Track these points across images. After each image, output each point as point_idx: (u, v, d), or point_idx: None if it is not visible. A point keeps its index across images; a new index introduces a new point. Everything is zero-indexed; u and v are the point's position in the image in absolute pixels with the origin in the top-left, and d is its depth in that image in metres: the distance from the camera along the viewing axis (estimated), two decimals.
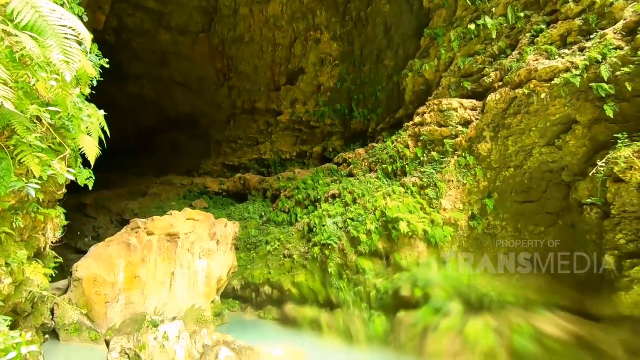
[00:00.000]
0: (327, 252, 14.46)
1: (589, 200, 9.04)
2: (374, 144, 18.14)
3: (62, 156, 3.66)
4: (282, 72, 24.37)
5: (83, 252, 14.24)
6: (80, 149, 4.52)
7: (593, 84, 9.11)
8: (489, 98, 12.02)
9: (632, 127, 8.64)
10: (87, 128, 4.76)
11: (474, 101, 13.30)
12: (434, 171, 13.37)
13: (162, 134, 30.40)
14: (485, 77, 13.05)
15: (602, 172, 8.38)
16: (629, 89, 8.53)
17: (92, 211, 26.38)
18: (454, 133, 13.36)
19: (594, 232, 9.16)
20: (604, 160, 8.36)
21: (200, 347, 8.96)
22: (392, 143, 16.08)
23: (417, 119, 14.97)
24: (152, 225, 12.99)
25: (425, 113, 14.68)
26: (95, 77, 4.74)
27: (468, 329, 10.12)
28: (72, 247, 23.28)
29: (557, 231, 10.81)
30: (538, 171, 11.09)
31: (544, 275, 10.54)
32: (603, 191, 8.54)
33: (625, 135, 8.21)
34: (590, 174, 8.74)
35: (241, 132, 26.61)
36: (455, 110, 13.52)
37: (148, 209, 22.94)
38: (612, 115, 8.80)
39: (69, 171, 3.61)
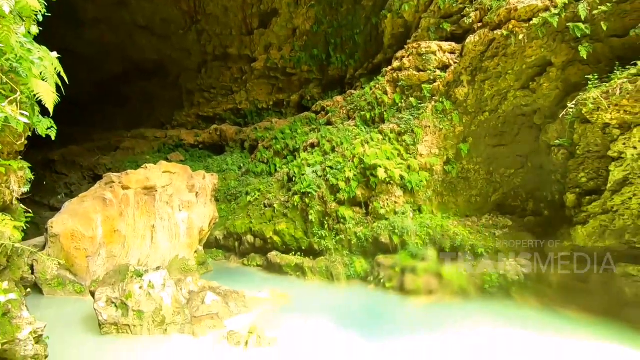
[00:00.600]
0: (307, 201, 14.72)
1: (557, 142, 9.40)
2: (352, 91, 17.78)
3: (12, 98, 3.38)
4: (254, 13, 22.70)
5: (57, 209, 13.89)
6: (35, 95, 4.18)
7: (570, 24, 9.03)
8: (467, 40, 11.76)
9: (603, 68, 8.77)
10: (41, 73, 4.37)
11: (453, 44, 13.01)
12: (411, 117, 13.38)
13: (130, 84, 28.53)
14: (465, 18, 12.65)
15: (571, 114, 8.63)
16: (604, 28, 8.52)
17: (62, 167, 25.35)
18: (432, 78, 13.20)
19: (559, 172, 9.66)
20: (573, 102, 8.57)
21: (186, 293, 9.29)
22: (370, 89, 15.80)
23: (395, 64, 14.61)
24: (127, 179, 12.68)
25: (403, 57, 14.31)
26: (41, 11, 4.24)
27: (443, 271, 10.87)
28: (45, 205, 22.68)
29: (525, 173, 11.34)
30: (512, 115, 11.30)
31: (510, 223, 11.27)
32: (570, 132, 8.87)
33: (596, 77, 8.35)
34: (560, 116, 8.99)
35: (214, 80, 25.32)
36: (434, 53, 13.23)
37: (121, 164, 22.23)
38: (585, 57, 8.87)
39: (22, 114, 3.36)
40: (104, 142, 26.94)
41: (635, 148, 7.44)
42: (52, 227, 11.02)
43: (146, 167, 13.49)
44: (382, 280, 12.20)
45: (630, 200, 7.67)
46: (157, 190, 13.01)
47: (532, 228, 10.59)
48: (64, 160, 25.21)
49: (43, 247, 11.30)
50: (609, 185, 7.99)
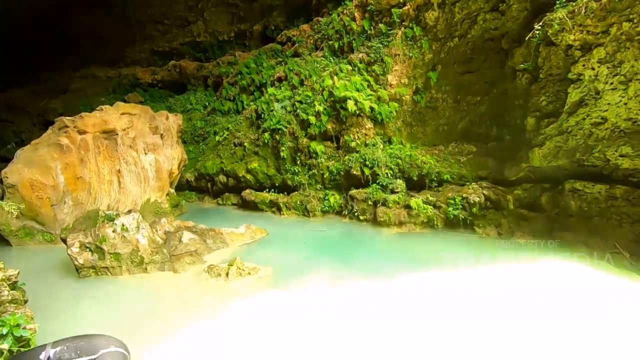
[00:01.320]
0: (277, 137, 14.53)
1: (522, 66, 9.48)
2: (319, 18, 16.65)
3: None
4: None
5: (9, 160, 12.97)
6: None
7: None
8: None
9: None
10: None
11: None
12: (380, 45, 12.90)
13: (72, 20, 25.16)
14: None
15: (537, 36, 8.59)
16: None
17: (7, 114, 23.18)
18: (401, 1, 12.51)
19: (522, 97, 9.91)
20: (540, 23, 8.47)
21: (162, 234, 9.36)
22: (338, 16, 14.86)
23: None
24: (82, 123, 11.83)
25: None
26: None
27: (412, 202, 11.42)
28: None
29: (491, 100, 11.55)
30: (480, 40, 11.12)
31: (475, 149, 11.72)
32: (535, 56, 8.92)
33: None
34: (527, 39, 8.93)
35: (166, 8, 22.71)
36: None
37: (74, 107, 20.51)
38: None
39: None
40: (51, 84, 24.47)
41: (593, 69, 7.65)
42: (7, 177, 10.39)
43: (102, 109, 12.57)
44: (356, 214, 12.76)
45: (583, 120, 8.09)
46: (117, 134, 12.32)
47: (494, 153, 11.12)
48: (7, 106, 22.96)
49: (1, 198, 10.75)
50: (566, 107, 8.33)
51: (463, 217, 10.53)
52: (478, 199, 10.44)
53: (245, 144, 15.82)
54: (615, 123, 7.48)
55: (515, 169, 10.15)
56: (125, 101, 17.64)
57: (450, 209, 10.72)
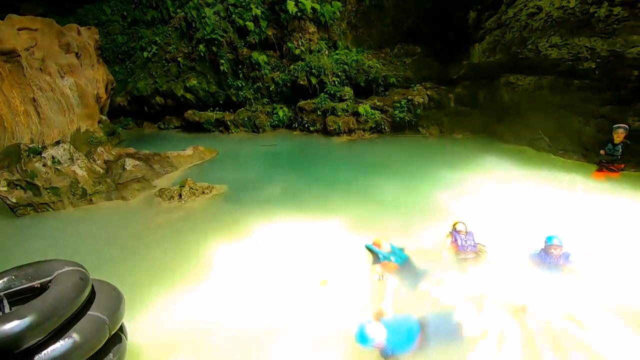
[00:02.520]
0: (214, 49, 13.21)
1: None
2: None
3: None
4: None
5: None
6: None
7: None
8: None
9: None
10: None
11: None
12: None
13: None
14: None
15: None
16: None
17: None
18: None
19: None
20: None
21: (101, 164, 8.75)
22: None
23: None
24: None
25: None
26: None
27: (360, 108, 11.41)
28: None
29: None
30: None
31: (419, 50, 11.53)
32: None
33: None
34: None
35: None
36: None
37: None
38: None
39: None
40: None
41: None
42: None
43: None
44: (306, 125, 12.65)
45: (520, 12, 8.15)
46: (19, 55, 10.42)
47: (438, 53, 11.11)
48: None
49: None
50: None
51: (408, 119, 10.89)
52: (422, 100, 10.73)
53: (179, 59, 14.30)
54: (549, 12, 7.61)
55: (456, 67, 10.33)
56: (20, 14, 14.58)
57: (397, 112, 10.98)
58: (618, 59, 6.64)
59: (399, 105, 10.98)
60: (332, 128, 11.84)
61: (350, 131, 11.81)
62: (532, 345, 3.15)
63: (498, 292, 3.71)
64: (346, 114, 11.79)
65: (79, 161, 8.02)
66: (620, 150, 6.53)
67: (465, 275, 4.21)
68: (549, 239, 4.12)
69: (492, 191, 6.61)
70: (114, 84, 14.39)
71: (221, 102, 14.27)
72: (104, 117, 13.19)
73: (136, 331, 3.72)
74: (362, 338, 2.95)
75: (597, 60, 6.90)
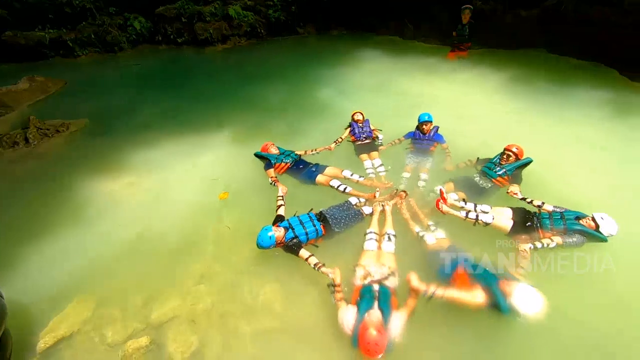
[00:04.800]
0: None
1: None
2: None
3: None
4: None
5: None
6: None
7: None
8: None
9: None
10: None
11: None
12: None
13: None
14: None
15: None
16: None
17: None
18: None
19: None
20: None
21: None
22: None
23: None
24: None
25: None
26: None
27: (230, 11, 10.15)
28: None
29: None
30: None
31: None
32: None
33: None
34: None
35: None
36: None
37: None
38: None
39: None
40: None
41: None
42: None
43: None
44: (172, 37, 10.95)
45: None
46: None
47: None
48: None
49: None
50: None
51: (284, 18, 10.28)
52: None
53: None
54: None
55: None
56: None
57: (271, 11, 10.22)
58: None
59: (272, 3, 10.16)
60: (203, 37, 10.55)
61: (224, 39, 10.72)
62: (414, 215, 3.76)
63: (384, 182, 4.12)
64: (216, 18, 10.52)
65: None
66: (467, 30, 7.39)
67: (360, 163, 4.52)
68: (421, 116, 4.60)
69: (369, 82, 7.02)
70: None
71: (51, 15, 11.18)
72: None
73: (18, 292, 3.24)
74: (263, 240, 3.02)
75: None
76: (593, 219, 2.99)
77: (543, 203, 3.34)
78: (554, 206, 3.29)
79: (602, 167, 4.27)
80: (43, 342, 2.78)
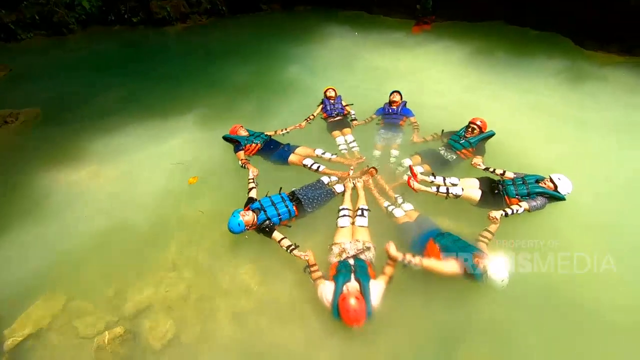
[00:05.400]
0: None
1: None
2: None
3: None
4: None
5: None
6: None
7: None
8: None
9: None
10: None
11: None
12: None
13: None
14: None
15: None
16: None
17: None
18: None
19: None
20: None
21: None
22: None
23: None
24: None
25: None
26: None
27: None
28: None
29: None
30: None
31: None
32: None
33: None
34: None
35: None
36: None
37: None
38: None
39: None
40: None
41: None
42: None
43: None
44: (125, 16, 10.26)
45: None
46: None
47: None
48: None
49: None
50: None
51: None
52: None
53: None
54: None
55: None
56: None
57: None
58: None
59: None
60: (160, 16, 9.97)
61: (183, 17, 10.18)
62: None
63: (357, 156, 4.14)
64: None
65: None
66: (431, 3, 7.41)
67: (332, 140, 4.50)
68: (391, 93, 4.66)
69: (337, 58, 6.95)
70: None
71: None
72: None
73: None
74: (233, 226, 2.96)
75: None
76: (551, 180, 3.19)
77: (505, 171, 3.50)
78: (514, 173, 3.47)
79: (559, 133, 4.51)
80: (11, 340, 2.69)
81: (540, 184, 3.23)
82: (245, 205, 3.25)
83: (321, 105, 4.91)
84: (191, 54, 8.42)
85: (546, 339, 2.54)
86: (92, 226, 3.75)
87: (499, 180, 3.47)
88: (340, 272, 2.59)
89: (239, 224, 2.96)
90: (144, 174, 4.47)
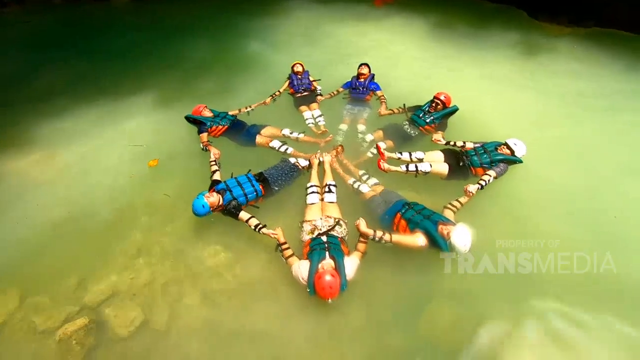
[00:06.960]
0: None
1: None
2: None
3: None
4: None
5: None
6: None
7: None
8: None
9: None
10: None
11: None
12: None
13: None
14: None
15: None
16: None
17: None
18: None
19: None
20: None
21: None
22: None
23: None
24: None
25: None
26: None
27: None
28: None
29: None
30: None
31: None
32: None
33: None
34: None
35: None
36: None
37: None
38: None
39: None
40: None
41: None
42: None
43: None
44: None
45: None
46: None
47: None
48: None
49: None
50: None
51: None
52: None
53: None
54: None
55: None
56: None
57: None
58: None
59: None
60: None
61: None
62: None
63: (325, 136, 4.06)
64: None
65: None
66: None
67: (300, 116, 4.41)
68: (359, 65, 4.57)
69: (300, 32, 6.73)
70: None
71: None
72: None
73: None
74: (197, 209, 2.87)
75: None
76: (507, 146, 3.36)
77: (465, 142, 3.60)
78: (474, 142, 3.58)
79: (516, 102, 4.69)
80: None
81: (499, 150, 3.39)
82: (210, 188, 3.14)
83: (288, 81, 4.79)
84: (142, 29, 7.82)
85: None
86: (49, 216, 3.53)
87: (462, 152, 3.56)
88: (315, 250, 2.61)
89: (203, 206, 2.86)
90: (100, 158, 4.22)
